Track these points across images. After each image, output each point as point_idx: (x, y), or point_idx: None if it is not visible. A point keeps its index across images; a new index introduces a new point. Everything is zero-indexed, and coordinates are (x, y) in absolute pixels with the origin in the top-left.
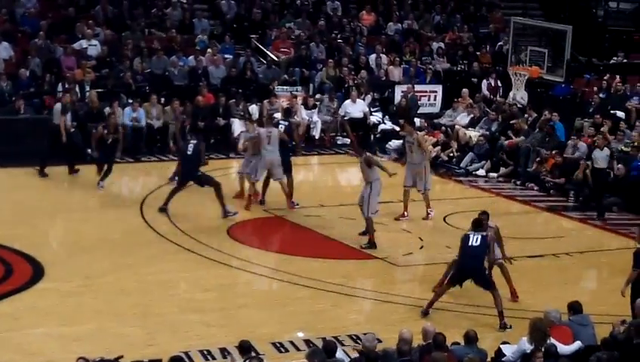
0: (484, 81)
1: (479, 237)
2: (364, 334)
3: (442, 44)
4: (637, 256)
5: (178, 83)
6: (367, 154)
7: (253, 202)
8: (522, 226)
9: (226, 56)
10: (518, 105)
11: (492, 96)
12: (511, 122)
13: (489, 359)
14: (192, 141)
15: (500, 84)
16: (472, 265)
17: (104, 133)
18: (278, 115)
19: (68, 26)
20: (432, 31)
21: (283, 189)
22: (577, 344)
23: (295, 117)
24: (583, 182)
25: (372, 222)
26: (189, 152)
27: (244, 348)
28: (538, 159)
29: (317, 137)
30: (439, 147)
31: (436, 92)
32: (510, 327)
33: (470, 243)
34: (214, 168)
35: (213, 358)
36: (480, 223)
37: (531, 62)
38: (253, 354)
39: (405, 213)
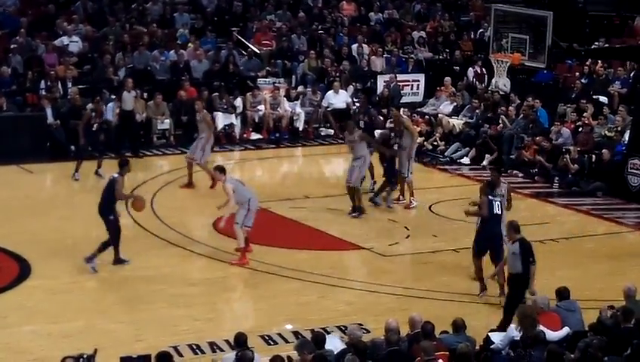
0: (470, 68)
1: (499, 203)
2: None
3: (424, 33)
4: None
5: (160, 77)
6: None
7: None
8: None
9: (207, 49)
10: (501, 93)
11: (479, 84)
12: (499, 109)
13: (477, 347)
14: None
15: (485, 72)
16: (498, 231)
17: (92, 115)
18: (261, 108)
19: (48, 23)
20: (413, 20)
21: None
22: (565, 330)
23: (278, 109)
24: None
25: (359, 190)
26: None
27: (240, 341)
28: (521, 145)
29: (301, 129)
30: (423, 136)
31: (419, 81)
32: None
33: (495, 211)
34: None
35: (202, 352)
36: (495, 183)
37: (513, 49)
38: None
39: (401, 196)
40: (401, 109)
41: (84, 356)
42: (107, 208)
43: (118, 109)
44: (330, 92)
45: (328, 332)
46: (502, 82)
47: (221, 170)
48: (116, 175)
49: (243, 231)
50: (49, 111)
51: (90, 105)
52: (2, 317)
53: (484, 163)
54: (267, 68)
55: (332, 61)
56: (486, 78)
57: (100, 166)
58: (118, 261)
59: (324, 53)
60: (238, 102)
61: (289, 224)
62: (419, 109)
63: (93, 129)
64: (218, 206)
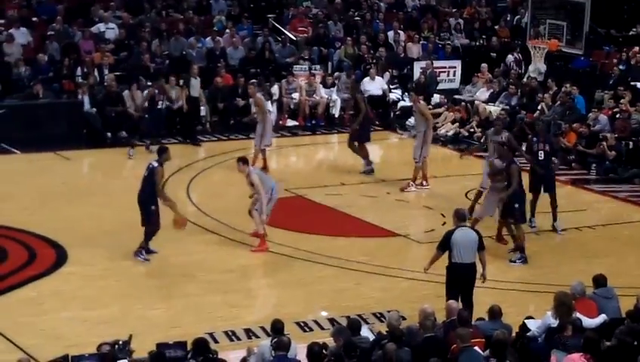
0: (510, 55)
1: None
2: (389, 312)
3: (460, 20)
4: None
5: (197, 64)
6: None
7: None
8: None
9: (243, 35)
10: (538, 79)
11: (519, 70)
12: (536, 96)
13: (514, 334)
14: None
15: (522, 58)
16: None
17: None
18: (295, 95)
19: (85, 10)
20: (450, 6)
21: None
22: (602, 317)
23: (314, 95)
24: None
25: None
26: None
27: (277, 328)
28: (559, 132)
29: (337, 116)
30: (458, 123)
31: (455, 67)
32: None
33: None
34: (234, 149)
35: (238, 339)
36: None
37: (550, 35)
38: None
39: (424, 182)
40: (437, 96)
41: (120, 342)
42: (148, 198)
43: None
44: (367, 78)
45: (364, 320)
46: (539, 68)
47: (244, 161)
48: (155, 164)
49: (262, 219)
50: (86, 99)
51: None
52: (39, 304)
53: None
54: (301, 55)
55: (368, 48)
56: (523, 65)
57: (152, 143)
58: (146, 250)
59: (360, 39)
60: (275, 89)
61: (325, 211)
62: (455, 96)
63: (158, 107)
64: (250, 195)
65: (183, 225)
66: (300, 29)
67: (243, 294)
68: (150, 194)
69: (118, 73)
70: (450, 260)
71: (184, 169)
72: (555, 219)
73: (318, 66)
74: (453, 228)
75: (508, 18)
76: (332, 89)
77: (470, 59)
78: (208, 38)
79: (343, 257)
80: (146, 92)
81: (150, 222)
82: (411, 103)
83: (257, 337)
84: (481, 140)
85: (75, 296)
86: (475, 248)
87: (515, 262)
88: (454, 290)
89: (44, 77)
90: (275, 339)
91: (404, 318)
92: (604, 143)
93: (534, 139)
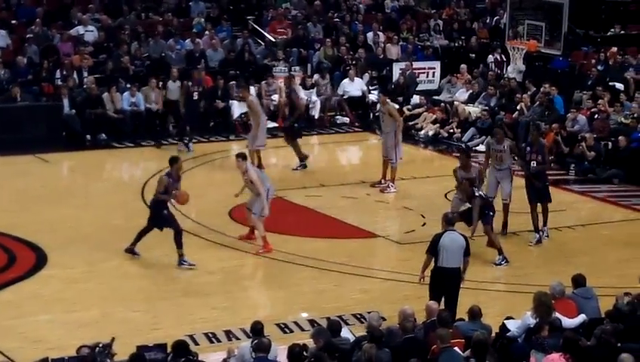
0: (490, 56)
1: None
2: (369, 313)
3: (439, 21)
4: None
5: (176, 66)
6: None
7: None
8: (523, 201)
9: (222, 37)
10: (517, 80)
11: (499, 71)
12: (515, 96)
13: (493, 334)
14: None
15: (504, 59)
16: None
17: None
18: (275, 97)
19: (64, 13)
20: (429, 7)
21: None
22: (582, 317)
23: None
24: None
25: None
26: None
27: (257, 329)
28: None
29: (316, 117)
30: (438, 124)
31: (434, 69)
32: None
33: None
34: (214, 151)
35: (219, 341)
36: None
37: (529, 35)
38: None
39: (382, 180)
40: (417, 97)
41: (101, 345)
42: (158, 206)
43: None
44: (346, 80)
45: (344, 321)
46: (518, 69)
47: (243, 157)
48: (164, 174)
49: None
50: (65, 102)
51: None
52: (18, 307)
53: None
54: (276, 56)
55: (347, 49)
56: (504, 66)
57: (190, 140)
58: (131, 250)
59: (339, 41)
60: (253, 90)
61: (305, 212)
62: (435, 97)
63: (194, 98)
64: (235, 194)
65: (185, 199)
66: (280, 30)
67: (223, 296)
68: (160, 200)
69: (97, 76)
70: (435, 264)
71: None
72: (544, 224)
73: (297, 68)
74: (441, 232)
75: (487, 19)
76: (311, 90)
77: (449, 60)
78: (187, 40)
79: (323, 258)
80: (176, 84)
81: (169, 224)
82: (380, 104)
83: (237, 339)
84: (463, 143)
85: (55, 299)
86: (461, 253)
87: (500, 264)
88: (438, 294)
89: (23, 79)
90: (256, 341)
91: (384, 319)
92: (583, 144)
93: (528, 148)
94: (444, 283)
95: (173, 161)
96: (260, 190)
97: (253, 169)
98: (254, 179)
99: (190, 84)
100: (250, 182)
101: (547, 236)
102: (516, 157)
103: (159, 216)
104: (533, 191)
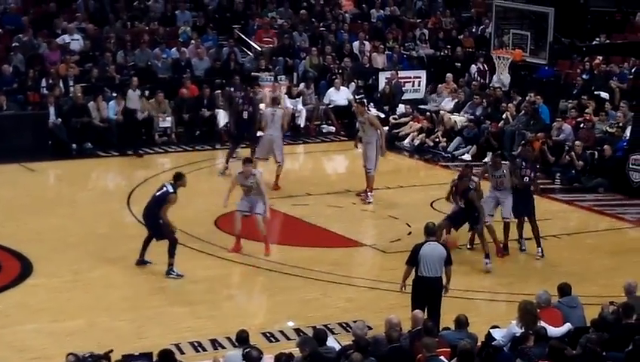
0: (473, 65)
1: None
2: (355, 322)
3: (425, 30)
4: None
5: (162, 75)
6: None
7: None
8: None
9: (208, 46)
10: (502, 89)
11: (482, 80)
12: (501, 105)
13: (479, 343)
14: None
15: (487, 68)
16: None
17: (240, 103)
18: (262, 106)
19: (50, 21)
20: (415, 16)
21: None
22: (567, 326)
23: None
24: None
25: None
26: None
27: (242, 338)
28: (523, 142)
29: (302, 126)
30: (424, 133)
31: (420, 78)
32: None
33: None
34: (200, 160)
35: (204, 350)
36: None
37: (514, 45)
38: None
39: (369, 192)
40: (402, 106)
41: (88, 355)
42: (154, 216)
43: (122, 107)
44: (332, 89)
45: (330, 330)
46: (503, 78)
47: (250, 161)
48: (171, 189)
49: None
50: (52, 110)
51: (239, 94)
52: (4, 316)
53: (486, 159)
54: (268, 65)
55: (333, 58)
56: (488, 75)
57: (231, 156)
58: (142, 262)
59: (325, 50)
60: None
61: (291, 221)
62: (420, 106)
63: (244, 117)
64: (224, 205)
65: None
66: (266, 39)
67: (209, 305)
68: (156, 214)
69: (83, 84)
70: (416, 274)
71: (150, 180)
72: (537, 244)
73: (283, 77)
74: (422, 242)
75: (473, 28)
76: (297, 99)
77: (435, 70)
78: (173, 49)
79: (309, 267)
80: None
81: (164, 236)
82: (358, 114)
83: (223, 348)
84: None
85: (41, 308)
86: (442, 263)
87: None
88: (420, 304)
89: (9, 88)
90: (247, 351)
91: (370, 328)
92: (573, 153)
93: (523, 163)
94: (425, 292)
95: (181, 176)
96: (265, 193)
97: (259, 173)
98: (261, 182)
99: (241, 102)
100: (256, 184)
101: (542, 255)
102: (515, 178)
103: (159, 227)
104: (523, 206)
